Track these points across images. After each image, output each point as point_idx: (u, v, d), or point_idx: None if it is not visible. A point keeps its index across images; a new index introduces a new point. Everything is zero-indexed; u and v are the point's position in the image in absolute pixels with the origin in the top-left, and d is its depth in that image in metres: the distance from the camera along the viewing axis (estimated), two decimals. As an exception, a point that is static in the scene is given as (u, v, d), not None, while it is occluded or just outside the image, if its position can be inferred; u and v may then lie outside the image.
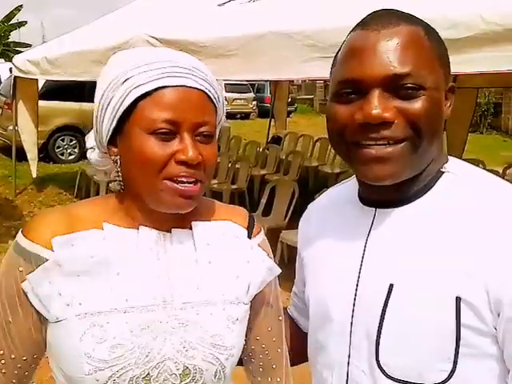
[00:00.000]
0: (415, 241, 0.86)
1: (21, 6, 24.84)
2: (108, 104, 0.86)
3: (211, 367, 0.88)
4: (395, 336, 0.85)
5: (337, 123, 0.87)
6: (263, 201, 5.19)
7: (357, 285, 0.91)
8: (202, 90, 0.85)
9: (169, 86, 0.83)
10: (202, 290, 0.90)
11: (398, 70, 0.81)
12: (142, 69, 0.84)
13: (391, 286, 0.85)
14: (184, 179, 0.84)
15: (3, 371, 0.89)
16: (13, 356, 0.88)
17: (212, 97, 0.88)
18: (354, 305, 0.91)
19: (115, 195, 0.94)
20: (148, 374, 0.84)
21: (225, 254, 0.94)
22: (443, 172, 0.90)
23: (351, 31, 0.89)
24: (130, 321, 0.85)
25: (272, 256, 1.02)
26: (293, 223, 4.78)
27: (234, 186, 6.55)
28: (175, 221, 0.92)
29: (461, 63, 2.40)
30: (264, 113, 16.36)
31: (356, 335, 0.90)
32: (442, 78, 0.86)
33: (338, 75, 0.88)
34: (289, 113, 12.87)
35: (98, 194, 6.55)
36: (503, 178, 0.93)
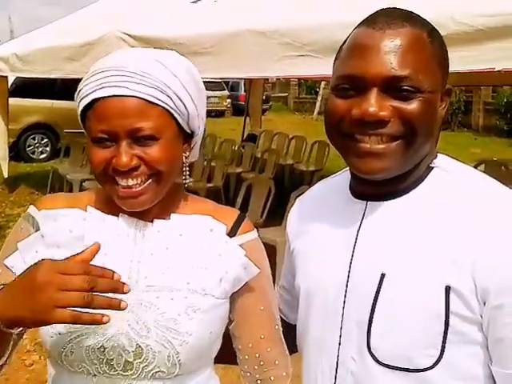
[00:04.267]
0: (406, 232, 0.89)
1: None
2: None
3: (164, 350, 0.91)
4: (386, 323, 0.88)
5: (334, 115, 0.90)
6: (239, 199, 5.18)
7: (348, 274, 0.94)
8: (136, 97, 0.88)
9: (101, 98, 0.88)
10: (167, 276, 0.95)
11: (397, 73, 0.84)
12: (88, 80, 0.91)
13: (383, 275, 0.88)
14: (123, 183, 0.90)
15: None
16: None
17: (155, 100, 0.89)
18: (345, 292, 0.94)
19: None
20: (102, 345, 0.91)
21: (195, 245, 0.97)
22: (432, 167, 0.94)
23: (357, 27, 0.91)
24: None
25: (262, 258, 1.04)
26: (269, 221, 4.80)
27: (209, 185, 6.53)
28: (158, 212, 0.99)
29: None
30: (238, 111, 16.34)
31: (347, 323, 0.93)
32: (440, 81, 0.89)
33: (339, 70, 0.90)
34: (263, 111, 12.89)
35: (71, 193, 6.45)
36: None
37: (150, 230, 0.98)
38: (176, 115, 0.92)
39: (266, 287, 1.05)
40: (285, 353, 1.07)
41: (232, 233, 1.00)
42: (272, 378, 1.04)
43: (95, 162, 0.91)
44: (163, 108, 0.90)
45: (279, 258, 4.08)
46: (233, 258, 0.98)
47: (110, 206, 0.99)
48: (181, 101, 0.92)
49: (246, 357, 1.04)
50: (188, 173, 1.00)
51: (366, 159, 0.87)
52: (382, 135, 0.86)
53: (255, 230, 1.04)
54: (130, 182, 0.90)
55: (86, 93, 0.90)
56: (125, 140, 0.88)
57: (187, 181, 1.00)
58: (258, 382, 1.04)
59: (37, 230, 0.97)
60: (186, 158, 0.98)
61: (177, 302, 0.93)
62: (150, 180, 0.91)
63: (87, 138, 0.92)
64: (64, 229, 0.96)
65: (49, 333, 0.92)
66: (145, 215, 0.98)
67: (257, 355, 1.03)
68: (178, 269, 0.95)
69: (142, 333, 0.91)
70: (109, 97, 0.88)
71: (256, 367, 1.04)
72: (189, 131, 0.97)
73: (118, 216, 0.98)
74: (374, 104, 0.84)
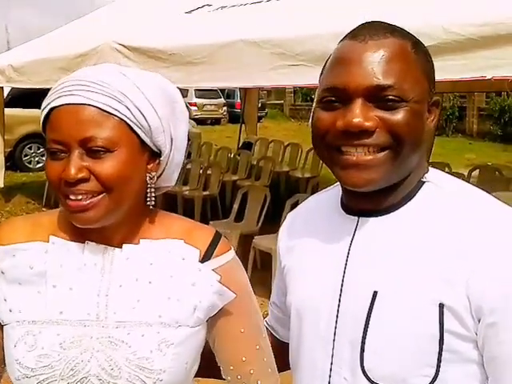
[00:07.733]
0: (398, 249, 0.88)
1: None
2: None
3: None
4: (380, 342, 0.86)
5: (320, 129, 0.90)
6: (235, 206, 5.19)
7: (340, 293, 0.92)
8: (90, 105, 0.84)
9: (56, 107, 0.85)
10: (138, 310, 0.90)
11: (381, 82, 0.83)
12: (49, 92, 0.88)
13: (375, 293, 0.87)
14: (72, 197, 0.84)
15: None
16: None
17: (110, 110, 0.84)
18: (337, 311, 0.92)
19: None
20: None
21: (167, 275, 0.92)
22: (424, 182, 0.92)
23: (341, 41, 0.91)
24: (62, 333, 0.88)
25: (241, 278, 0.99)
26: (265, 228, 4.80)
27: (205, 193, 6.53)
28: (126, 236, 0.93)
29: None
30: (234, 118, 16.36)
31: (339, 342, 0.91)
32: (426, 91, 0.87)
33: (323, 83, 0.90)
34: (259, 118, 12.92)
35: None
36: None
37: (118, 256, 0.91)
38: (136, 128, 0.87)
39: (245, 308, 0.99)
40: (268, 372, 1.01)
41: (206, 256, 0.94)
42: None
43: (49, 176, 0.86)
44: (120, 119, 0.85)
45: (275, 266, 4.07)
46: (207, 286, 0.92)
47: (75, 232, 0.92)
48: (141, 113, 0.86)
49: (229, 378, 1.00)
50: (153, 196, 0.92)
51: (353, 171, 0.86)
52: (369, 146, 0.85)
53: (232, 249, 0.98)
54: (79, 197, 0.84)
55: (45, 104, 0.87)
56: (76, 150, 0.84)
57: (151, 203, 0.92)
58: None
59: None
60: (150, 178, 0.91)
61: (148, 338, 0.88)
62: (101, 195, 0.85)
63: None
64: (24, 265, 0.89)
65: (15, 375, 0.86)
66: (112, 239, 0.92)
67: (239, 377, 0.98)
68: (148, 302, 0.90)
69: (113, 373, 0.86)
70: (63, 105, 0.84)
71: None
72: (154, 148, 0.91)
73: (83, 243, 0.91)
74: (358, 114, 0.83)
